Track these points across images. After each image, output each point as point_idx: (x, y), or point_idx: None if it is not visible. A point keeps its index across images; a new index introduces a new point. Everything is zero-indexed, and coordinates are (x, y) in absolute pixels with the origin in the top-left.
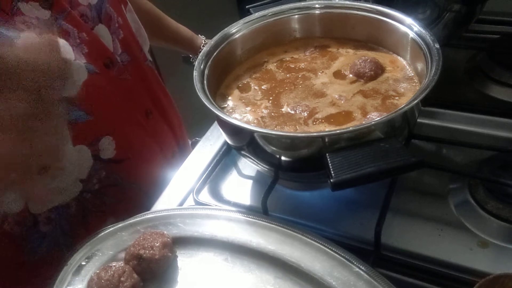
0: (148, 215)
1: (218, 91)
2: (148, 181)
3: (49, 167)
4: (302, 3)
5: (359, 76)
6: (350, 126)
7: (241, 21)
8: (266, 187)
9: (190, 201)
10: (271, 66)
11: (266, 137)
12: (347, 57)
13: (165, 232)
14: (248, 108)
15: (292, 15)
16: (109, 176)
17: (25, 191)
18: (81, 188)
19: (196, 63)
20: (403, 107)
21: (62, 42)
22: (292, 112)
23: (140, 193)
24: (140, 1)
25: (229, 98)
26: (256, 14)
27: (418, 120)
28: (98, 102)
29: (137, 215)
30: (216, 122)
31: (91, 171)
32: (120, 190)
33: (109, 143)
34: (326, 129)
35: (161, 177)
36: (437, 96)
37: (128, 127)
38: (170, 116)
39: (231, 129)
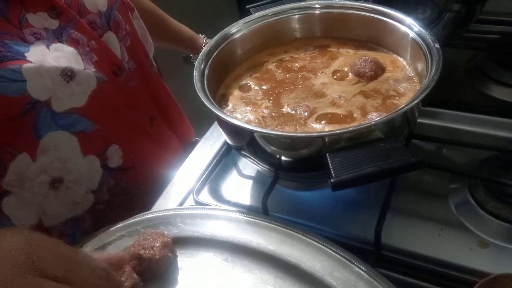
0: (148, 215)
1: (219, 91)
2: (154, 186)
3: (62, 180)
4: (302, 3)
5: (360, 76)
6: (350, 126)
7: (241, 21)
8: (266, 187)
9: (190, 201)
10: (271, 66)
11: (266, 137)
12: (347, 57)
13: (165, 232)
14: (249, 108)
15: (292, 15)
16: (118, 185)
17: (40, 206)
18: (93, 200)
19: (196, 63)
20: (403, 107)
21: (71, 50)
22: (293, 112)
23: (148, 199)
24: (142, 1)
25: (230, 98)
26: (256, 14)
27: (418, 120)
28: (105, 110)
29: (137, 215)
30: (216, 122)
31: (101, 181)
32: (129, 198)
33: (116, 151)
34: (326, 129)
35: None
36: (437, 96)
37: (133, 134)
38: (175, 121)
39: (231, 129)
